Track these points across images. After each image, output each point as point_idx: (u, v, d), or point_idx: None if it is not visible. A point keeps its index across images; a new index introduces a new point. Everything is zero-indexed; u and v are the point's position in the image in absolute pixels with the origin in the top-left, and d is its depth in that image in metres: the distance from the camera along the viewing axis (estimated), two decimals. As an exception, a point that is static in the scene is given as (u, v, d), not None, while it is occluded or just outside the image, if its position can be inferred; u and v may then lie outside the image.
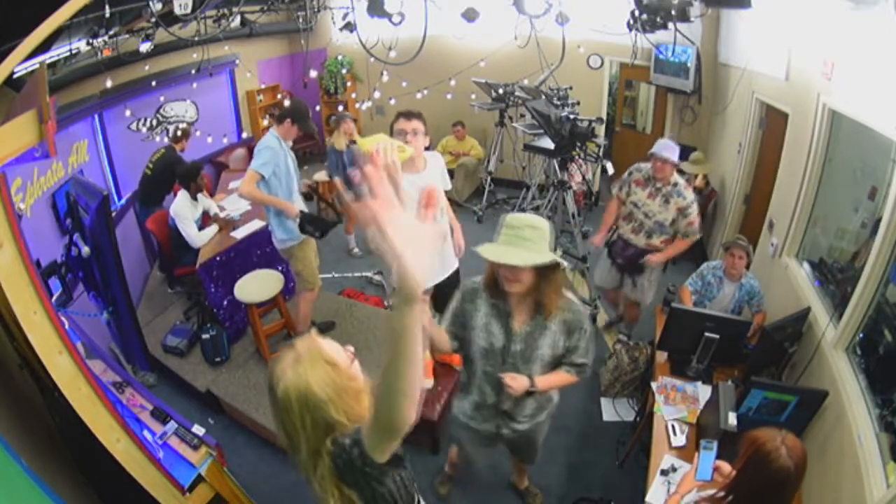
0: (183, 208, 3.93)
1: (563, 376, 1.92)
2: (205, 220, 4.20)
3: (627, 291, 3.62)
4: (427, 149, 2.72)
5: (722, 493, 1.58)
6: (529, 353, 1.84)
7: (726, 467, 1.69)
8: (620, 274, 3.58)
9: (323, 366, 1.14)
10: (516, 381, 1.81)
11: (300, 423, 1.13)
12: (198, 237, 3.95)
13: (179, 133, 4.91)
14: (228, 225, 4.16)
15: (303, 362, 1.14)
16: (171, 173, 4.51)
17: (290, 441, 1.17)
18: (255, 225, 4.11)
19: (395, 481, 1.15)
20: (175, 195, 4.13)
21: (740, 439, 1.59)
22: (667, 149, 3.20)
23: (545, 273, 1.72)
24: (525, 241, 1.67)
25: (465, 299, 1.90)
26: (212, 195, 4.59)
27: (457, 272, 2.94)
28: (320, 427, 1.12)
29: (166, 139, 5.75)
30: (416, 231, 0.78)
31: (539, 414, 2.09)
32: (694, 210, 3.22)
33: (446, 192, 2.82)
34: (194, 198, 4.07)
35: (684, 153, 5.03)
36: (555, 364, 1.90)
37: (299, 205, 3.32)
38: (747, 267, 3.11)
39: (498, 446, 2.22)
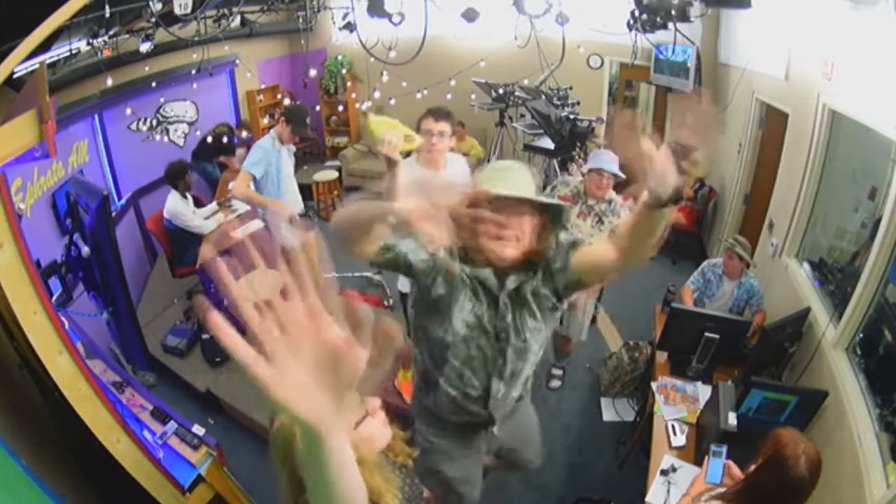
0: (177, 206, 3.94)
1: None
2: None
3: (557, 329, 3.11)
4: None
5: (735, 490, 1.57)
6: (521, 323, 1.46)
7: (736, 469, 1.69)
8: None
9: None
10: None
11: (279, 466, 1.04)
12: (205, 225, 3.99)
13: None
14: (228, 209, 4.16)
15: None
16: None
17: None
18: (255, 225, 4.11)
19: None
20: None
21: (764, 436, 1.57)
22: (614, 163, 2.80)
23: (546, 227, 1.37)
24: (514, 172, 1.34)
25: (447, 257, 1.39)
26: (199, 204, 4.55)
27: None
28: (294, 483, 0.97)
29: (167, 139, 5.76)
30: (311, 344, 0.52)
31: (524, 395, 1.73)
32: None
33: None
34: (184, 195, 4.07)
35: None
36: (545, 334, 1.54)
37: (297, 205, 3.32)
38: (747, 267, 3.11)
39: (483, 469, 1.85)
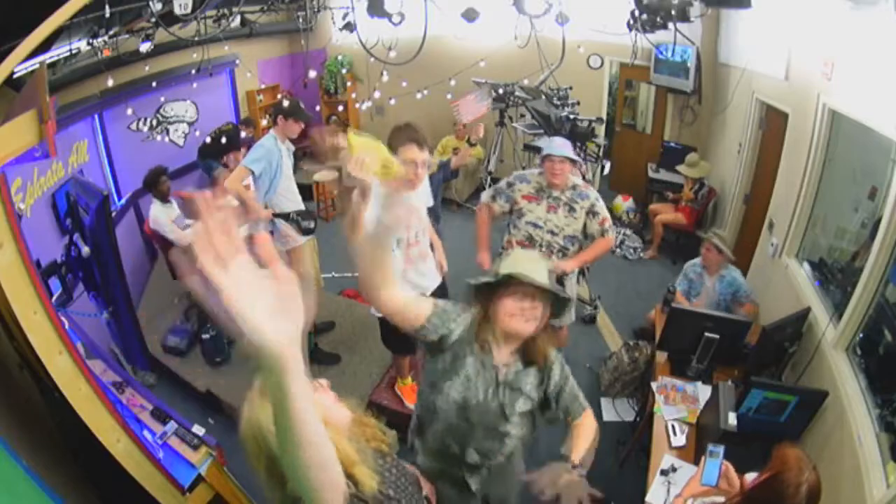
0: (158, 215, 3.84)
1: (587, 429, 1.66)
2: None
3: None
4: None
5: (732, 502, 1.55)
6: (513, 401, 1.57)
7: (733, 473, 1.66)
8: None
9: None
10: (567, 486, 1.39)
11: (256, 465, 1.04)
12: (184, 237, 3.84)
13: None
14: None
15: (258, 397, 1.06)
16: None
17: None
18: (255, 225, 4.11)
19: None
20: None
21: (771, 446, 1.57)
22: (564, 146, 2.75)
23: (551, 313, 1.53)
24: (542, 264, 1.50)
25: (463, 333, 1.53)
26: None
27: (442, 286, 2.72)
28: (275, 475, 0.99)
29: (167, 139, 5.77)
30: (260, 280, 0.61)
31: (511, 456, 1.76)
32: (601, 205, 2.82)
33: (445, 195, 2.81)
34: (164, 201, 3.93)
35: (682, 154, 5.05)
36: (531, 419, 1.65)
37: (296, 205, 3.31)
38: (734, 264, 3.13)
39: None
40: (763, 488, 1.47)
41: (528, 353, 1.57)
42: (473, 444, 1.62)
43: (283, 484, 0.98)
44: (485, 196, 3.02)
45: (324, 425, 0.80)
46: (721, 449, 1.80)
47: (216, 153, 5.43)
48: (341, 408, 1.21)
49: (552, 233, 2.83)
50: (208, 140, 5.51)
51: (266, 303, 0.60)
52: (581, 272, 3.13)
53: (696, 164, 4.96)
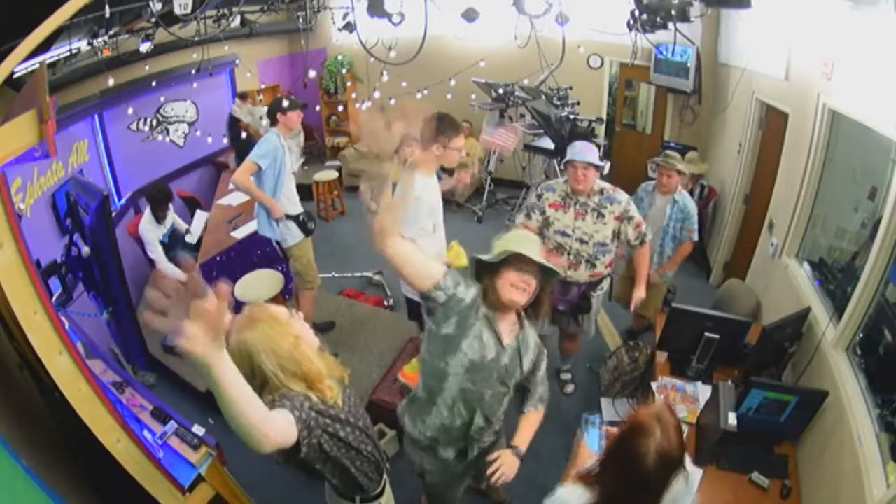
0: (147, 231, 3.81)
1: (532, 422, 1.86)
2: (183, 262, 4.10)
3: (564, 327, 3.12)
4: None
5: (593, 472, 1.38)
6: (513, 370, 1.77)
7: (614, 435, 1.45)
8: (561, 318, 3.04)
9: (261, 323, 1.35)
10: (507, 465, 1.69)
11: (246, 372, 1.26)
12: (164, 266, 3.85)
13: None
14: (191, 269, 4.08)
15: (244, 321, 1.36)
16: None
17: None
18: (255, 225, 4.11)
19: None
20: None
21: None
22: (587, 150, 2.66)
23: (544, 283, 1.73)
24: (537, 245, 1.68)
25: (475, 298, 1.69)
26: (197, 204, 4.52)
27: None
28: (256, 378, 1.31)
29: (167, 139, 5.77)
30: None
31: (493, 437, 1.96)
32: (634, 209, 2.75)
33: (445, 196, 2.84)
34: (159, 220, 3.89)
35: (683, 154, 5.04)
36: (517, 389, 1.86)
37: (294, 204, 3.32)
38: (691, 193, 3.21)
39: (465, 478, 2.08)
40: (610, 457, 1.33)
41: (529, 312, 1.78)
42: (482, 407, 1.77)
43: (258, 387, 1.31)
44: (519, 218, 2.95)
45: (301, 344, 1.37)
46: (596, 417, 1.95)
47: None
48: (312, 334, 1.47)
49: (581, 241, 2.73)
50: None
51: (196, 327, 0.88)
52: (610, 290, 3.07)
53: (694, 162, 4.98)
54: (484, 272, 1.72)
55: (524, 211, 2.91)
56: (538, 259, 1.65)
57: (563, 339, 3.28)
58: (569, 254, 2.76)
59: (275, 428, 1.13)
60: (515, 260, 1.64)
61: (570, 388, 3.49)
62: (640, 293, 2.85)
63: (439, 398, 1.79)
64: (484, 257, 1.72)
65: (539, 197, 2.84)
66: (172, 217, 4.02)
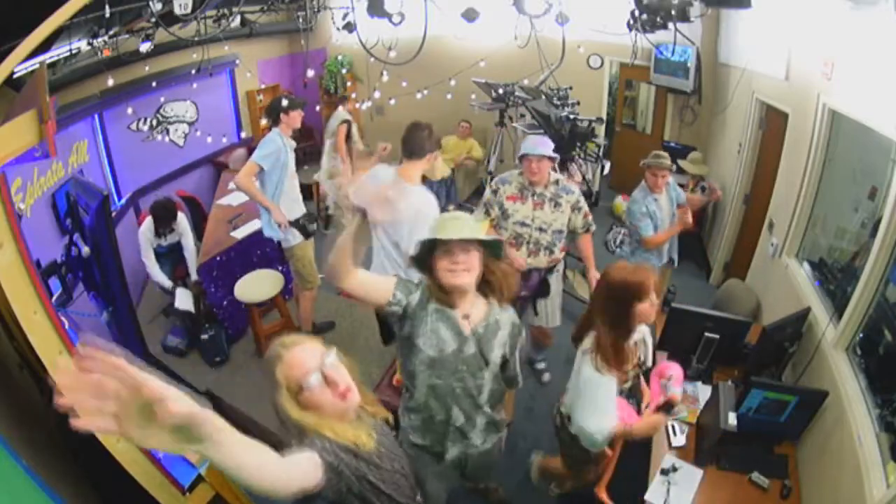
0: (143, 236, 3.79)
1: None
2: (178, 274, 4.10)
3: (530, 320, 3.12)
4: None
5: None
6: (482, 358, 1.72)
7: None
8: (521, 308, 3.02)
9: (269, 370, 1.24)
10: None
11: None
12: (155, 274, 3.84)
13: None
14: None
15: (285, 352, 1.25)
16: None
17: None
18: (255, 225, 4.11)
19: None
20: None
21: None
22: (540, 144, 2.79)
23: (491, 256, 1.68)
24: (461, 220, 1.64)
25: (421, 296, 1.70)
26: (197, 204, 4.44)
27: None
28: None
29: (167, 139, 5.77)
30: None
31: (493, 432, 1.92)
32: (583, 200, 2.93)
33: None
34: (158, 234, 3.86)
35: (683, 154, 5.05)
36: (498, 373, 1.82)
37: (298, 206, 3.32)
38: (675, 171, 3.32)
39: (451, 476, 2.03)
40: (600, 294, 1.87)
41: (490, 292, 1.72)
42: (456, 401, 1.76)
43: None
44: (478, 215, 3.04)
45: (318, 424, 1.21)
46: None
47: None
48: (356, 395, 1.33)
49: (541, 229, 2.86)
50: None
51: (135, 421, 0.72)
52: (564, 272, 3.24)
53: (697, 162, 4.98)
54: (422, 268, 1.70)
55: (482, 208, 3.00)
56: (457, 236, 1.59)
57: (534, 331, 3.29)
58: (528, 243, 2.89)
59: (297, 474, 1.06)
60: (440, 245, 1.61)
61: (546, 376, 3.51)
62: (594, 272, 2.98)
63: (416, 396, 1.80)
64: (414, 252, 1.69)
65: (495, 192, 2.94)
66: (178, 235, 3.95)
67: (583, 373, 1.88)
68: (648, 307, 1.81)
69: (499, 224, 2.94)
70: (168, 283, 3.86)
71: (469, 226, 1.63)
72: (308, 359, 1.24)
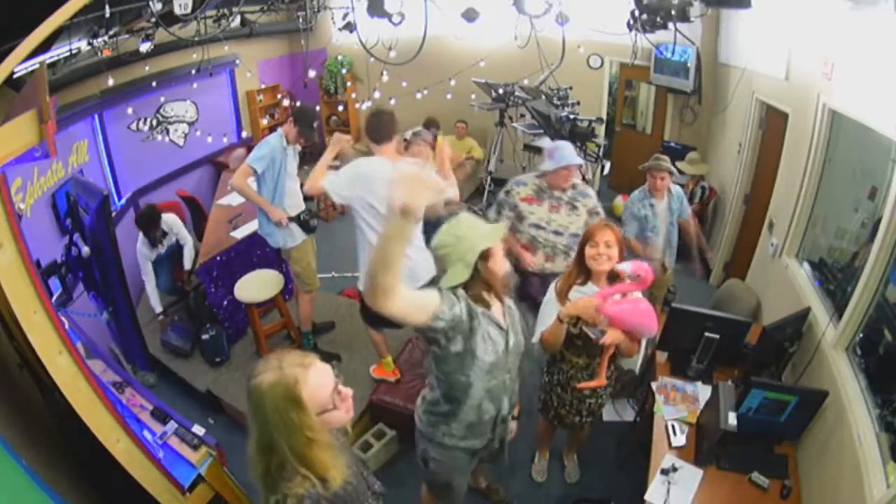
0: (140, 254, 3.82)
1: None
2: (178, 273, 4.13)
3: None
4: None
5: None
6: (519, 342, 1.78)
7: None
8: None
9: (285, 393, 1.19)
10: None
11: (251, 420, 1.23)
12: (153, 298, 3.90)
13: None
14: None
15: (275, 376, 1.21)
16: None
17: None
18: (255, 225, 4.11)
19: None
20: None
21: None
22: (572, 155, 2.79)
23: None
24: (478, 222, 1.70)
25: (465, 305, 1.60)
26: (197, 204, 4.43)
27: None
28: (265, 448, 1.21)
29: (167, 139, 5.77)
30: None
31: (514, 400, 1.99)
32: (600, 205, 2.95)
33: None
34: (153, 243, 3.84)
35: (683, 154, 5.05)
36: None
37: (298, 206, 3.31)
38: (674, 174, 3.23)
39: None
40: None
41: (490, 290, 1.72)
42: (506, 393, 1.80)
43: (272, 454, 1.19)
44: (491, 215, 3.01)
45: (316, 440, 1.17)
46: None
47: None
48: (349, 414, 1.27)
49: (557, 233, 2.85)
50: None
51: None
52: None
53: (695, 163, 4.98)
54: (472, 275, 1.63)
55: (495, 208, 3.00)
56: (491, 243, 1.64)
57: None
58: (544, 247, 2.87)
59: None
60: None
61: None
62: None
63: (465, 405, 1.75)
64: (474, 256, 1.61)
65: (508, 193, 2.92)
66: (171, 237, 3.97)
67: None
68: (592, 251, 2.06)
69: (514, 227, 2.90)
70: (159, 309, 3.95)
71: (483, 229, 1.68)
72: (328, 378, 1.20)
